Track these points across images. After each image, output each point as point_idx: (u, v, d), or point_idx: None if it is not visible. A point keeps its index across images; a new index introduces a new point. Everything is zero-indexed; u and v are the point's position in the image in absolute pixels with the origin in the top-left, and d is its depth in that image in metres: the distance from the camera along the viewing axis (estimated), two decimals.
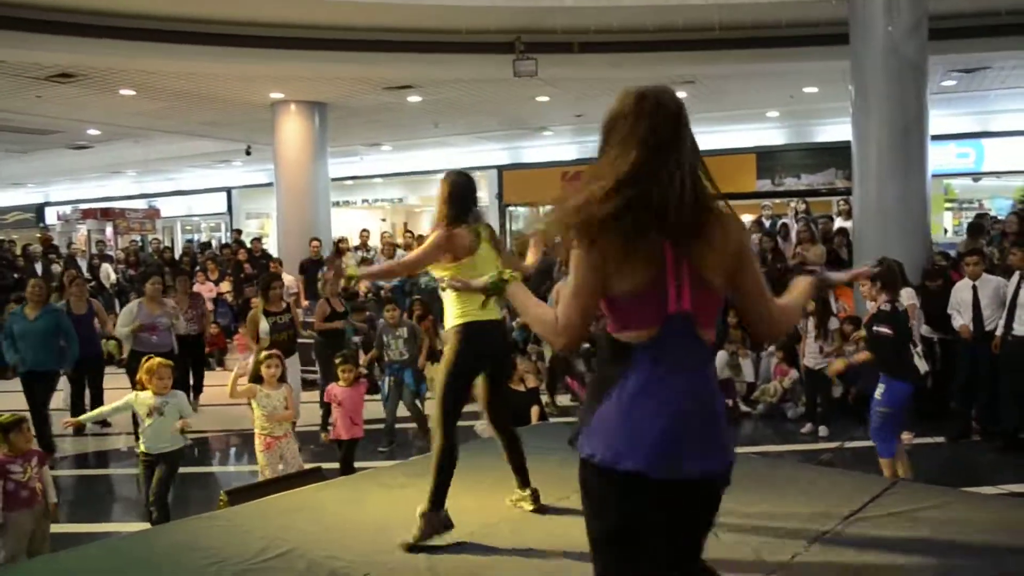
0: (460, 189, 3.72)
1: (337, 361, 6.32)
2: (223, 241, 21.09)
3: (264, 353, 5.76)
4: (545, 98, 12.69)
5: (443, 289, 3.53)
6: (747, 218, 12.35)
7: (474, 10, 9.43)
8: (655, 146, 1.73)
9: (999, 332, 6.67)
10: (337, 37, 10.06)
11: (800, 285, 2.08)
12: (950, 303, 7.12)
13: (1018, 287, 6.55)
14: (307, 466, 5.49)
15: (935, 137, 14.69)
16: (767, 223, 12.26)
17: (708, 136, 16.52)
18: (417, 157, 19.79)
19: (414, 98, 12.65)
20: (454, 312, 3.65)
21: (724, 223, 1.76)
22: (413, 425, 7.53)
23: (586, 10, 9.35)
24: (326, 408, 6.90)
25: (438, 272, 3.67)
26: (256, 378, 5.57)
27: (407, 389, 7.40)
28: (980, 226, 10.17)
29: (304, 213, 13.33)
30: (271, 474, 5.33)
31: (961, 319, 6.99)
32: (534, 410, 7.07)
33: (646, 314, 1.72)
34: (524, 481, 3.96)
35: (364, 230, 13.83)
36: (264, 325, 7.12)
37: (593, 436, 1.75)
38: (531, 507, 3.89)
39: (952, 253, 9.77)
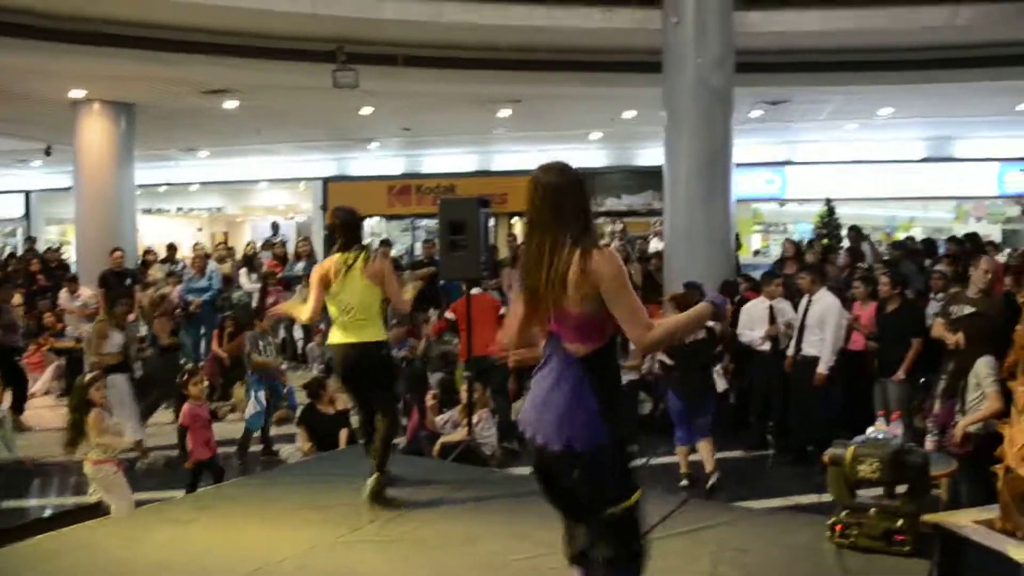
0: (346, 222, 4.45)
1: (184, 377, 6.07)
2: (18, 249, 19.37)
3: (90, 376, 5.23)
4: (369, 110, 12.46)
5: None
6: None
7: (294, 17, 9.09)
8: (532, 224, 2.39)
9: (790, 352, 7.06)
10: (145, 35, 9.42)
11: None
12: (740, 321, 7.49)
13: (807, 309, 6.95)
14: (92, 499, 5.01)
15: (745, 164, 15.65)
16: None
17: (533, 155, 16.84)
18: (238, 165, 18.95)
19: (231, 103, 12.08)
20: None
21: (585, 266, 2.26)
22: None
23: (409, 24, 9.23)
24: (182, 431, 6.24)
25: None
26: (85, 404, 5.01)
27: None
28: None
29: (107, 221, 12.38)
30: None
31: (752, 335, 7.36)
32: (343, 433, 6.83)
33: (544, 332, 2.45)
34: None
35: (171, 244, 13.03)
36: (118, 338, 7.01)
37: None
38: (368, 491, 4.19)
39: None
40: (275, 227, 17.62)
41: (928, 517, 3.59)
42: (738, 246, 11.77)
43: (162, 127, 13.85)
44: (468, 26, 9.25)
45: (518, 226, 18.42)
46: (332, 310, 4.39)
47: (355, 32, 9.62)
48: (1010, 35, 9.39)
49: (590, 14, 8.99)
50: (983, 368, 4.52)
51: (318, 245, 13.38)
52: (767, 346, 7.33)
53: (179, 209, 21.89)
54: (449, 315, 7.96)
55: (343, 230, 4.46)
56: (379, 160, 18.37)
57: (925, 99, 12.27)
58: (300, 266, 11.41)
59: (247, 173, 19.19)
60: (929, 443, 5.24)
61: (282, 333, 11.09)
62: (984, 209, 17.14)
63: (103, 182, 12.48)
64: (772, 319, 7.32)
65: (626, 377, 7.46)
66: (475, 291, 7.38)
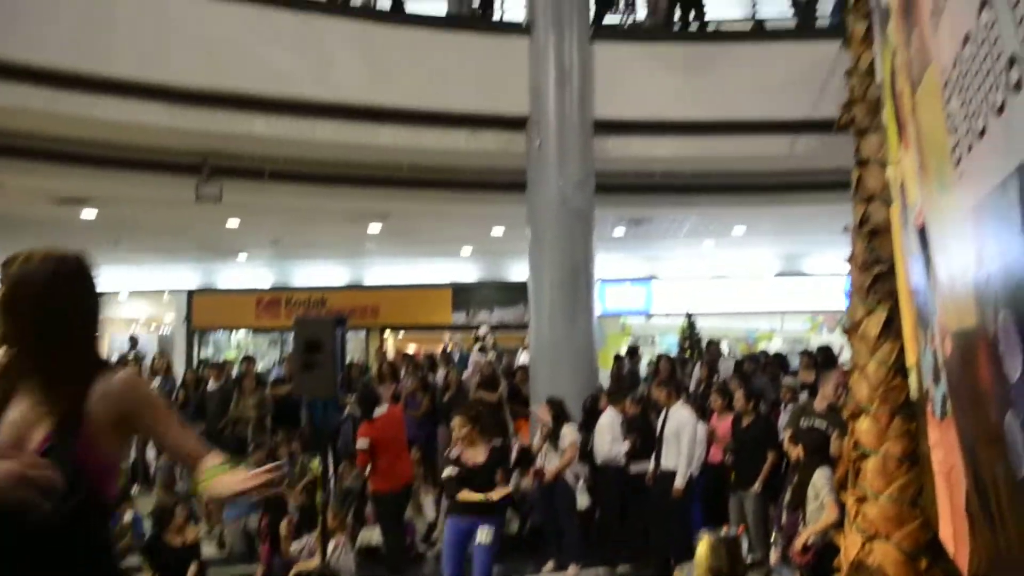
0: None
1: None
2: None
3: None
4: (236, 222, 12.27)
5: None
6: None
7: (158, 130, 8.94)
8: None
9: (651, 466, 7.16)
10: None
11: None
12: (596, 435, 7.57)
13: (663, 423, 7.10)
14: None
15: (613, 279, 16.12)
16: (455, 356, 12.57)
17: (403, 270, 16.95)
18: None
19: (89, 213, 11.66)
20: None
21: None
22: None
23: (276, 140, 9.24)
24: None
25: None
26: None
27: None
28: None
29: None
30: None
31: (608, 450, 7.43)
32: (192, 567, 6.39)
33: None
34: None
35: None
36: None
37: None
38: None
39: None
40: (133, 341, 16.87)
41: None
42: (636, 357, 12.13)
43: (11, 236, 13.17)
44: (338, 144, 9.34)
45: (391, 339, 18.30)
46: None
47: (222, 146, 9.55)
48: (843, 163, 10.17)
49: (456, 136, 9.25)
50: (820, 479, 4.69)
51: (181, 360, 12.85)
52: (622, 460, 7.42)
53: None
54: (362, 443, 7.41)
55: None
56: (248, 272, 18.01)
57: (775, 219, 13.10)
58: (156, 383, 10.90)
59: (106, 284, 18.34)
60: (774, 555, 5.36)
61: (134, 453, 10.47)
62: (835, 321, 18.19)
63: None
64: (629, 433, 7.43)
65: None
66: (380, 410, 7.29)
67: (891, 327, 3.94)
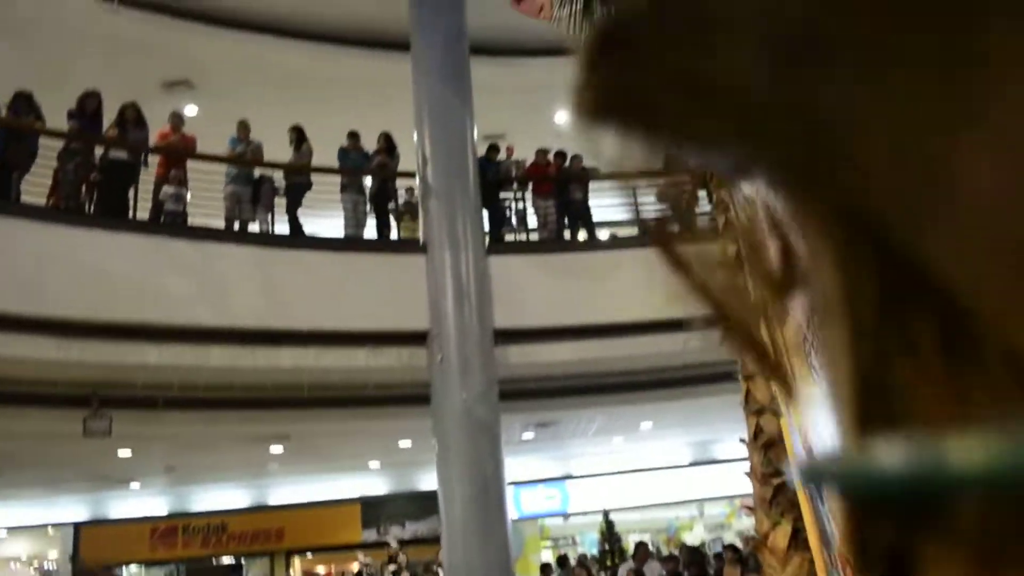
0: None
1: None
2: None
3: None
4: (127, 452, 11.68)
5: None
6: None
7: (45, 363, 8.62)
8: None
9: None
10: None
11: None
12: None
13: None
14: None
15: (527, 482, 15.85)
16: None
17: (309, 488, 16.28)
18: None
19: None
20: None
21: None
22: None
23: (170, 368, 9.00)
24: None
25: None
26: None
27: None
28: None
29: None
30: None
31: None
32: None
33: None
34: None
35: None
36: None
37: None
38: None
39: None
40: None
41: None
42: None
43: None
44: (235, 369, 9.16)
45: (297, 564, 17.25)
46: None
47: (111, 376, 9.23)
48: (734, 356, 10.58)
49: (355, 354, 9.22)
50: None
51: None
52: None
53: None
54: None
55: None
56: (141, 501, 16.95)
57: (680, 412, 13.27)
58: None
59: None
60: None
61: None
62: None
63: None
64: None
65: None
66: None
67: (798, 538, 3.91)
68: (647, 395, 11.51)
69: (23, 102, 8.73)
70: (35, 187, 9.12)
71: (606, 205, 12.53)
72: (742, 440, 4.52)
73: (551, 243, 10.44)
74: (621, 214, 13.02)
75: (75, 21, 10.58)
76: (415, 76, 10.09)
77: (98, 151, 9.29)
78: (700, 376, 11.19)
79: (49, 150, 9.09)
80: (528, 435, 13.24)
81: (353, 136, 10.49)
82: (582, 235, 10.77)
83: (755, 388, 4.45)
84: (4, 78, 9.34)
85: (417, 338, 9.26)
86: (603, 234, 12.05)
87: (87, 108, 8.96)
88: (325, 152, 10.54)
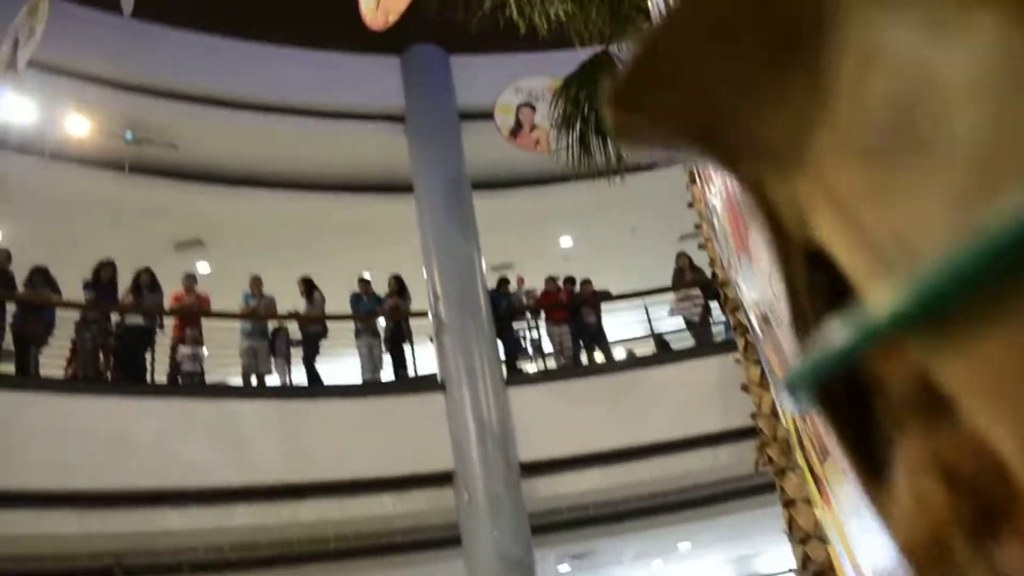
0: None
1: None
2: None
3: None
4: None
5: None
6: None
7: (63, 538, 8.46)
8: None
9: None
10: None
11: None
12: None
13: None
14: None
15: None
16: None
17: None
18: None
19: None
20: None
21: None
22: None
23: (193, 532, 8.82)
24: None
25: None
26: None
27: None
28: None
29: None
30: None
31: None
32: None
33: None
34: None
35: None
36: None
37: None
38: None
39: None
40: None
41: None
42: None
43: None
44: (258, 527, 8.97)
45: None
46: None
47: (134, 545, 9.04)
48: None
49: (381, 501, 9.03)
50: None
51: None
52: None
53: None
54: None
55: None
56: None
57: (717, 529, 12.85)
58: None
59: None
60: None
61: None
62: None
63: None
64: None
65: None
66: None
67: None
68: (682, 515, 11.17)
69: (39, 276, 8.89)
70: (52, 359, 9.20)
71: (621, 323, 12.58)
72: (791, 571, 4.34)
73: (569, 369, 10.38)
74: (636, 330, 13.04)
75: (85, 192, 10.91)
76: (420, 217, 10.32)
77: (114, 317, 9.40)
78: (735, 491, 10.90)
79: (66, 320, 9.23)
80: (564, 568, 12.81)
81: (364, 282, 10.62)
82: (599, 357, 10.71)
83: (797, 515, 4.29)
84: (19, 254, 9.54)
85: (442, 479, 9.10)
86: (619, 352, 12.02)
87: (102, 277, 9.13)
88: (337, 294, 10.65)
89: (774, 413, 4.35)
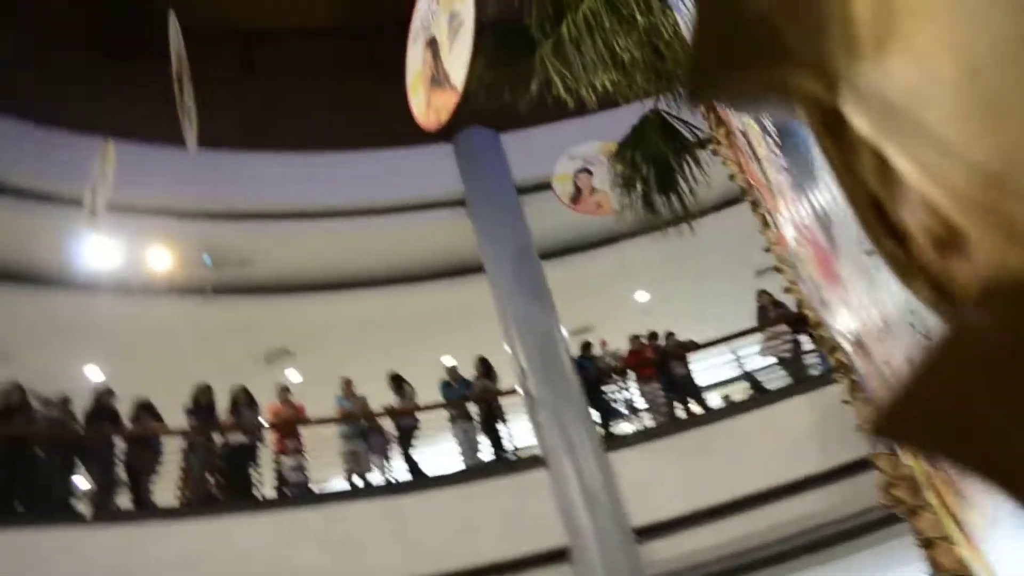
0: None
1: None
2: None
3: None
4: None
5: None
6: None
7: None
8: None
9: None
10: None
11: None
12: None
13: None
14: None
15: None
16: None
17: None
18: None
19: None
20: None
21: None
22: None
23: None
24: None
25: None
26: None
27: None
28: None
29: None
30: None
31: None
32: None
33: None
34: None
35: None
36: None
37: None
38: None
39: None
40: None
41: None
42: None
43: None
44: None
45: None
46: None
47: None
48: (871, 502, 9.87)
49: None
50: None
51: None
52: None
53: None
54: None
55: None
56: None
57: (844, 570, 12.31)
58: None
59: None
60: None
61: None
62: None
63: None
64: None
65: None
66: None
67: None
68: (805, 560, 10.74)
69: (144, 411, 9.20)
70: (163, 487, 9.42)
71: (710, 367, 12.33)
72: None
73: (666, 426, 10.21)
74: (726, 372, 12.78)
75: (173, 319, 11.32)
76: (494, 294, 10.41)
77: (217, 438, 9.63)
78: (857, 527, 10.48)
79: (171, 446, 9.45)
80: None
81: (451, 368, 10.70)
82: (695, 408, 10.52)
83: (938, 554, 4.11)
84: (119, 388, 9.86)
85: (557, 556, 8.98)
86: (714, 399, 11.79)
87: (201, 401, 9.39)
88: (424, 384, 10.72)
89: (893, 451, 4.22)
